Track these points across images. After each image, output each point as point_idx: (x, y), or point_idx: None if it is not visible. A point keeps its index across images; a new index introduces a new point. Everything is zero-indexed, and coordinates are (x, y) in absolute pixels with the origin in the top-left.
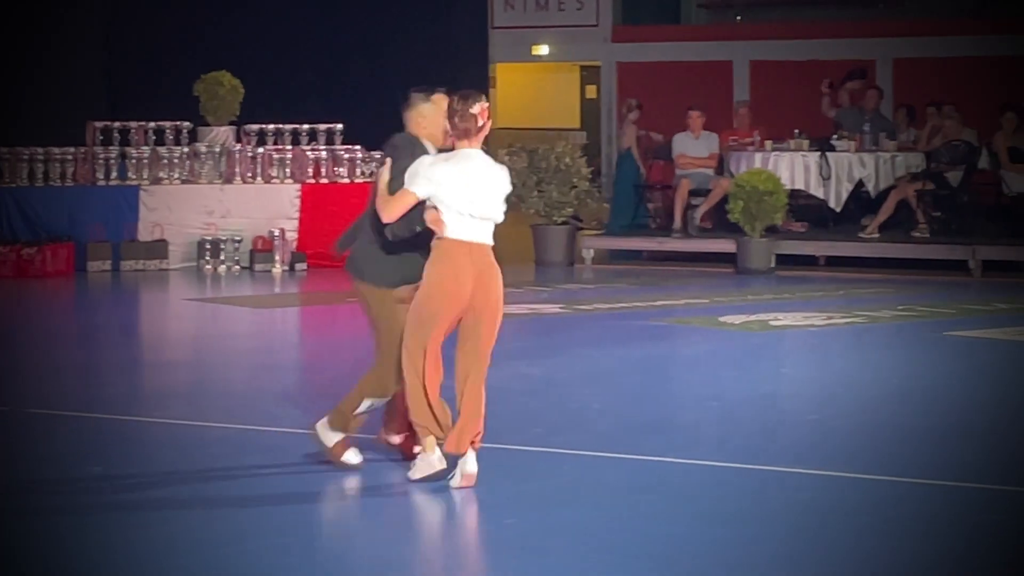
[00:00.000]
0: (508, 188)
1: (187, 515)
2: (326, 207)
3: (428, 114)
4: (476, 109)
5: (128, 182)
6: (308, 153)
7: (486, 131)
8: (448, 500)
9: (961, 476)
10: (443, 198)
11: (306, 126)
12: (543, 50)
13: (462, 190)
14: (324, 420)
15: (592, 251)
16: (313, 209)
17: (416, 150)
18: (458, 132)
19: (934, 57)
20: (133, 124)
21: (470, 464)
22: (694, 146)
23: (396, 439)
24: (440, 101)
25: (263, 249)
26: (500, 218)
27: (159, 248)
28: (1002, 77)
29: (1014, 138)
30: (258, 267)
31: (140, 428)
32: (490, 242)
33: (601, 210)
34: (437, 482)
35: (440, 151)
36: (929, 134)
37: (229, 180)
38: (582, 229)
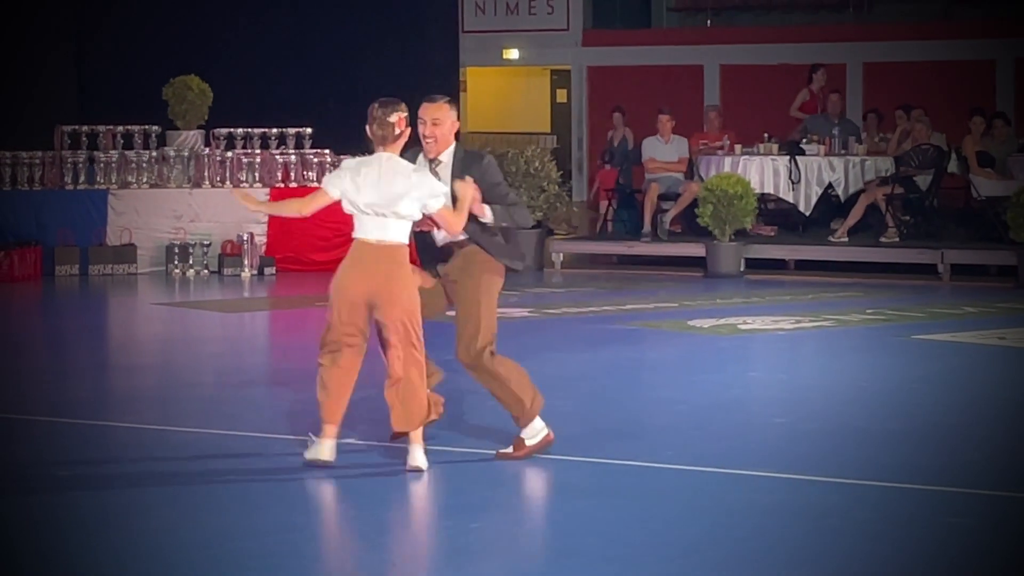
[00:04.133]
0: (425, 188)
1: (153, 519)
2: None
3: None
4: (394, 118)
5: (96, 186)
6: (277, 157)
7: (404, 139)
8: (412, 503)
9: (930, 480)
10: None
11: (275, 130)
12: (513, 54)
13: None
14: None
15: (561, 255)
16: None
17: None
18: (376, 139)
19: (904, 61)
20: (101, 128)
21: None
22: (664, 150)
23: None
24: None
25: (232, 253)
26: (405, 216)
27: (127, 252)
28: (970, 81)
29: (982, 142)
30: (227, 271)
31: (107, 432)
32: (396, 241)
33: (571, 214)
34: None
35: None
36: (898, 138)
37: (198, 184)
38: (552, 233)
